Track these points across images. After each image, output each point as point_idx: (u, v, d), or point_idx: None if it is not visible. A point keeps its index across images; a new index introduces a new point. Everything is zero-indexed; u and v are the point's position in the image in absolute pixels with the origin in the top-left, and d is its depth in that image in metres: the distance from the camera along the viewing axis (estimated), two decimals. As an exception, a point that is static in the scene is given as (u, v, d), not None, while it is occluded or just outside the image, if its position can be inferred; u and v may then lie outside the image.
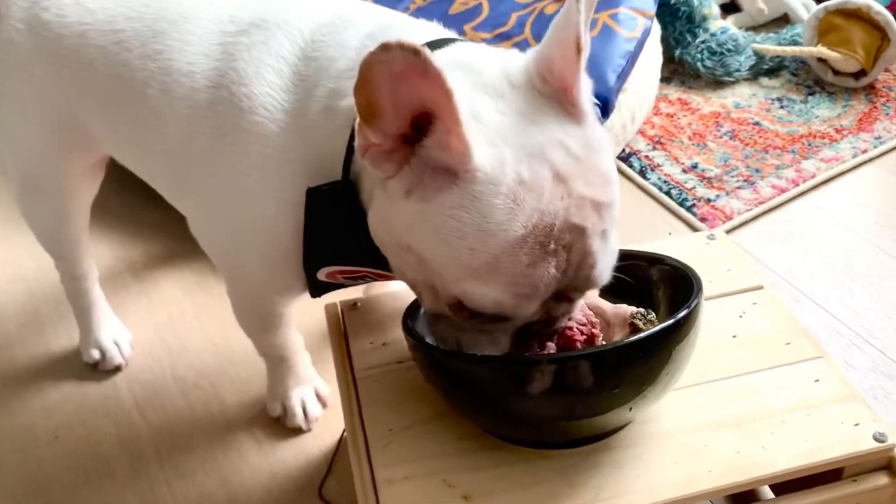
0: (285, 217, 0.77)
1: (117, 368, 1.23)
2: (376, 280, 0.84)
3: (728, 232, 1.38)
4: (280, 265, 0.82)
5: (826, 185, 1.50)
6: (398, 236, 0.68)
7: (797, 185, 1.48)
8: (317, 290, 0.85)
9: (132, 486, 1.08)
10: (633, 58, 1.44)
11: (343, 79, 0.73)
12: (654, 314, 0.78)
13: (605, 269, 0.67)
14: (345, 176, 0.73)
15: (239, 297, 0.95)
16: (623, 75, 1.41)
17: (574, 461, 0.75)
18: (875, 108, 1.65)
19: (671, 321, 0.69)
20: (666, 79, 1.74)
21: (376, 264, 0.76)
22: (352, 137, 0.69)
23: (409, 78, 0.57)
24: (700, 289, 0.74)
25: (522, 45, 1.14)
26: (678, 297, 0.78)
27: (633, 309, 0.78)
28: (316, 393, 1.13)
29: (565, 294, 0.68)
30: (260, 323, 0.99)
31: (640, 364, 0.69)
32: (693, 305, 0.71)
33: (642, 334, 0.68)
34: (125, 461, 1.11)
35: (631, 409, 0.71)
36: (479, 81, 0.66)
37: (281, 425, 1.13)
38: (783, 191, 1.47)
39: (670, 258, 0.82)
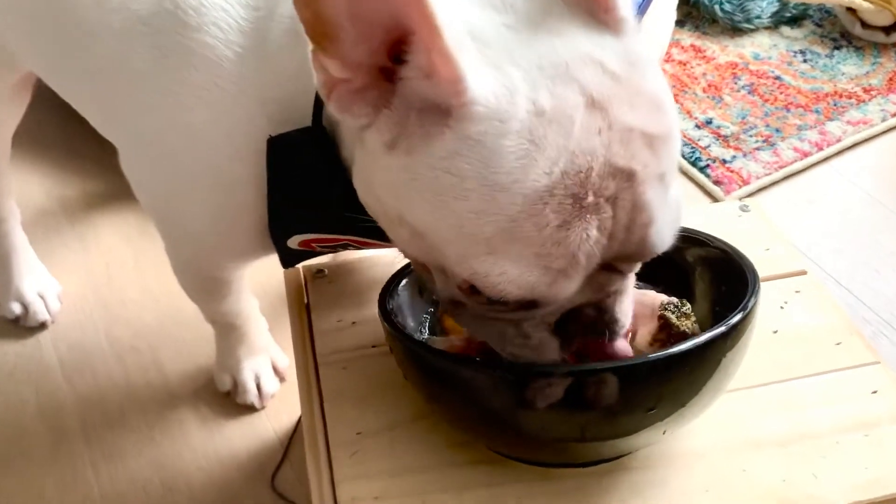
0: (239, 166, 0.63)
1: (42, 325, 1.12)
2: (361, 248, 0.71)
3: (743, 199, 1.25)
4: (229, 224, 0.68)
5: (852, 150, 1.37)
6: (385, 204, 0.53)
7: (821, 149, 1.35)
8: (288, 259, 0.71)
9: (51, 466, 0.97)
10: (650, -6, 1.28)
11: None
12: (689, 306, 0.65)
13: (665, 227, 0.51)
14: (316, 121, 0.58)
15: (178, 257, 0.81)
16: (639, 12, 1.25)
17: (583, 483, 0.63)
18: (906, 67, 1.50)
19: (723, 327, 0.55)
20: (679, 22, 1.60)
21: (361, 232, 0.61)
22: None
23: None
24: (757, 283, 0.60)
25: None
26: (722, 287, 0.65)
27: (665, 298, 0.65)
28: (272, 365, 1.02)
29: (614, 266, 0.52)
30: (205, 289, 0.85)
31: (681, 379, 0.55)
32: (750, 307, 0.57)
33: (687, 344, 0.54)
34: (45, 436, 1.00)
35: (664, 431, 0.58)
36: None
37: (230, 401, 1.02)
38: (806, 154, 1.33)
39: (718, 239, 0.68)
